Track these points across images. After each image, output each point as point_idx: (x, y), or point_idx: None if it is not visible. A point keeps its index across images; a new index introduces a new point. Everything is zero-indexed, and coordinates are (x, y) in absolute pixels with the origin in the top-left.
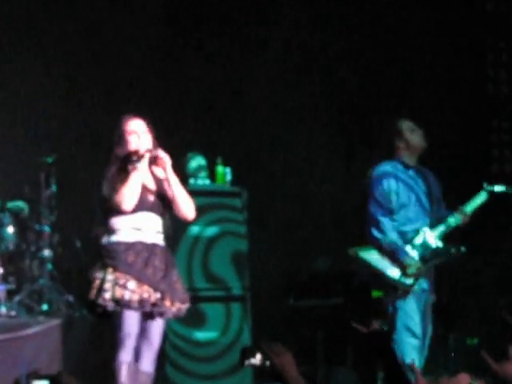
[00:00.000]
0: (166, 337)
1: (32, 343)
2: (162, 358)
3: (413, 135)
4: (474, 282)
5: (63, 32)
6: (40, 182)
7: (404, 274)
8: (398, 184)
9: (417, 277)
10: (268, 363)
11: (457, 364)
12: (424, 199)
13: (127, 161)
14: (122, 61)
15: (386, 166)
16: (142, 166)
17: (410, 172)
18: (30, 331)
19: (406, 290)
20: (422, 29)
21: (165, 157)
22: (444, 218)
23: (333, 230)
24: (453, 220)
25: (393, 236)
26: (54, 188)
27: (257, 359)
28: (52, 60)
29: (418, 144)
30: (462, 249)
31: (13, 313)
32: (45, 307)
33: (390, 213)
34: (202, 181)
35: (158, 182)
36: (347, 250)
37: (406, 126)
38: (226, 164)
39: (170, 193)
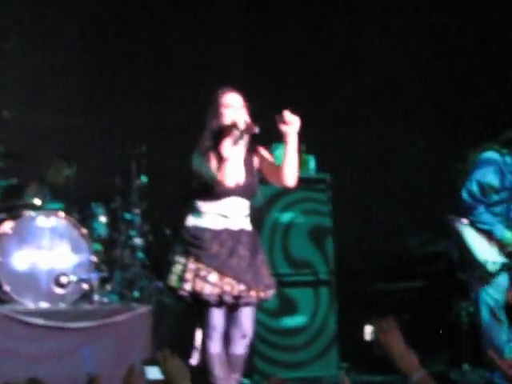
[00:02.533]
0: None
1: (124, 329)
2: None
3: None
4: None
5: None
6: (131, 172)
7: (503, 253)
8: (499, 173)
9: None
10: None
11: None
12: None
13: (223, 135)
14: (209, 44)
15: (493, 154)
16: (243, 142)
17: None
18: (122, 317)
19: (488, 276)
20: None
21: (293, 119)
22: None
23: (419, 212)
24: None
25: (486, 217)
26: (144, 178)
27: (367, 333)
28: (141, 51)
29: None
30: None
31: (105, 300)
32: (136, 294)
33: (483, 201)
34: None
35: (247, 161)
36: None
37: None
38: (309, 152)
39: (270, 168)
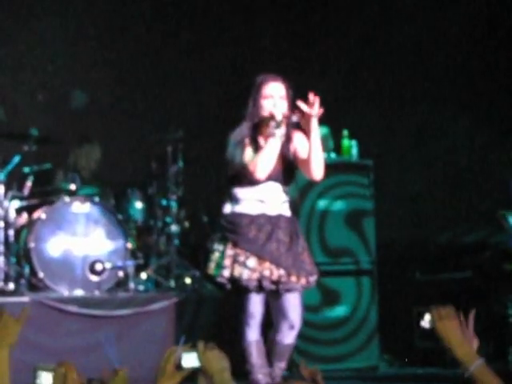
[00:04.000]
0: None
1: (160, 318)
2: None
3: None
4: None
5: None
6: (167, 158)
7: None
8: None
9: None
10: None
11: None
12: None
13: (261, 127)
14: (251, 30)
15: None
16: (280, 133)
17: None
18: (157, 306)
19: None
20: None
21: (313, 110)
22: None
23: (466, 199)
24: None
25: None
26: (180, 163)
27: (426, 321)
28: (180, 33)
29: None
30: None
31: (141, 288)
32: (172, 283)
33: None
34: (327, 153)
35: (284, 148)
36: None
37: None
38: (352, 137)
39: (303, 153)
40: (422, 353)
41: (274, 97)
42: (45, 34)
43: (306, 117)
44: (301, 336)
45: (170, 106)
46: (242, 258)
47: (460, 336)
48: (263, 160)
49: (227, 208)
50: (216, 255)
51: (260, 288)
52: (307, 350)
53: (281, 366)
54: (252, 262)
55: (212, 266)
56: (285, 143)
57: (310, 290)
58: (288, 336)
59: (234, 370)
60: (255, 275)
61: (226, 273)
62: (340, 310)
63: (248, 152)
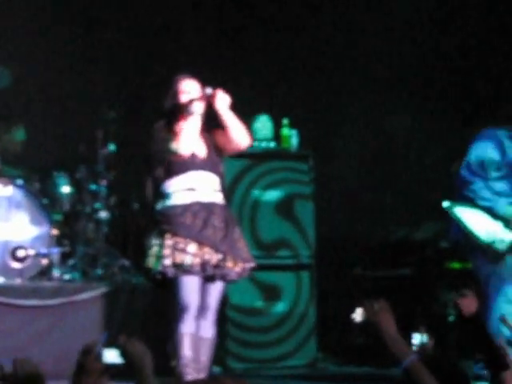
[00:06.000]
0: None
1: (85, 309)
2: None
3: None
4: None
5: None
6: (97, 141)
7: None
8: (500, 148)
9: None
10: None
11: None
12: None
13: (178, 112)
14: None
15: (492, 129)
16: (198, 110)
17: None
18: (83, 296)
19: (497, 256)
20: None
21: (222, 95)
22: None
23: (407, 196)
24: None
25: (486, 194)
26: (112, 147)
27: (357, 314)
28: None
29: None
30: None
31: (66, 277)
32: (99, 272)
33: (482, 176)
34: (267, 143)
35: (209, 138)
36: (442, 205)
37: None
38: (293, 126)
39: (221, 129)
40: (361, 351)
41: (190, 93)
42: None
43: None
44: (237, 339)
45: (101, 87)
46: (182, 245)
47: (394, 330)
48: (186, 136)
49: (159, 205)
50: (155, 249)
51: (203, 272)
52: (243, 353)
53: (203, 359)
54: (192, 247)
55: (151, 260)
56: (205, 132)
57: (247, 285)
58: (207, 324)
59: (160, 364)
60: (197, 260)
61: (168, 261)
62: (279, 307)
63: (169, 137)
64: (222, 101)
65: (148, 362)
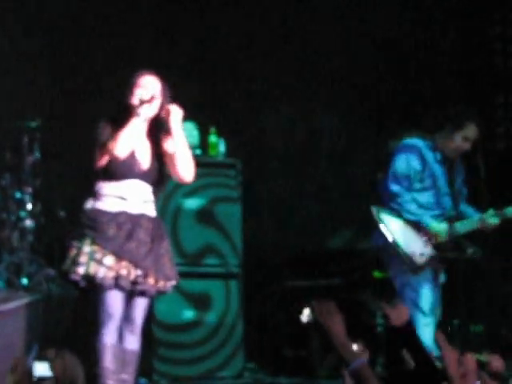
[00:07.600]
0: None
1: (10, 320)
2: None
3: (465, 143)
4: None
5: None
6: (22, 148)
7: (434, 242)
8: (421, 159)
9: (444, 247)
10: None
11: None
12: (443, 187)
13: (124, 111)
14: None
15: (413, 141)
16: (144, 114)
17: (438, 156)
18: (7, 307)
19: (416, 268)
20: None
21: (175, 109)
22: (466, 214)
23: (338, 206)
24: (490, 218)
25: (412, 207)
26: (37, 154)
27: (305, 315)
28: (34, 21)
29: (460, 150)
30: (480, 252)
31: None
32: (24, 281)
33: (408, 189)
34: (192, 151)
35: (155, 148)
36: (371, 209)
37: (471, 132)
38: (220, 135)
39: (170, 151)
40: (289, 361)
41: (147, 88)
42: None
43: (170, 125)
44: (164, 358)
45: (27, 94)
46: (98, 256)
47: (342, 331)
48: (122, 137)
49: (89, 203)
50: (73, 252)
51: (117, 287)
52: (171, 371)
53: (126, 375)
54: (109, 260)
55: (68, 262)
56: (154, 142)
57: (175, 297)
58: (131, 338)
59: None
60: (111, 273)
61: (81, 270)
62: (211, 317)
63: (108, 131)
64: (177, 117)
65: (80, 375)
